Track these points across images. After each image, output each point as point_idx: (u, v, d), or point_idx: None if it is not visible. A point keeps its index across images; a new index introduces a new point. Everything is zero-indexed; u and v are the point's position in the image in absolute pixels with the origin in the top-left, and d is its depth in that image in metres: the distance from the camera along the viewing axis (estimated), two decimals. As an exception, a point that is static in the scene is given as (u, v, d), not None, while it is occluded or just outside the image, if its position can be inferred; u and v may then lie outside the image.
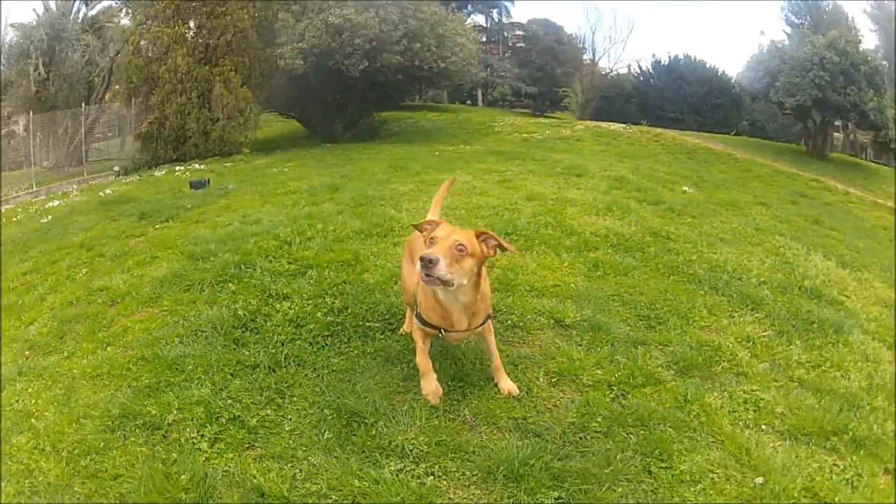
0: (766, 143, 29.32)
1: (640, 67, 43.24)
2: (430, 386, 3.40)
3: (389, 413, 3.31)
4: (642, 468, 2.96)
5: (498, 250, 3.11)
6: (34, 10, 26.98)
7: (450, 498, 2.81)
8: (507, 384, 3.49)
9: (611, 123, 26.98)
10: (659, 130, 24.88)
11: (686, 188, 10.31)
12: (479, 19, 45.91)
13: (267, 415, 3.47)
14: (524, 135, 22.39)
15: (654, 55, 54.02)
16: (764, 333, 4.41)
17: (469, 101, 44.79)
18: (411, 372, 3.70)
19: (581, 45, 44.32)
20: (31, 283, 6.86)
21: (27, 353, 4.93)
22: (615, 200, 8.05)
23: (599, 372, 3.68)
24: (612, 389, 3.53)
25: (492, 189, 8.89)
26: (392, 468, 2.93)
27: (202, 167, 17.04)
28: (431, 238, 2.98)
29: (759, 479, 3.00)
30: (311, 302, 4.74)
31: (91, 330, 5.03)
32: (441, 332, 3.28)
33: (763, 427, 3.47)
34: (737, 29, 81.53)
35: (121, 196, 12.97)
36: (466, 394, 3.54)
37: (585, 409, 3.36)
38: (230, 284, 5.30)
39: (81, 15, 29.46)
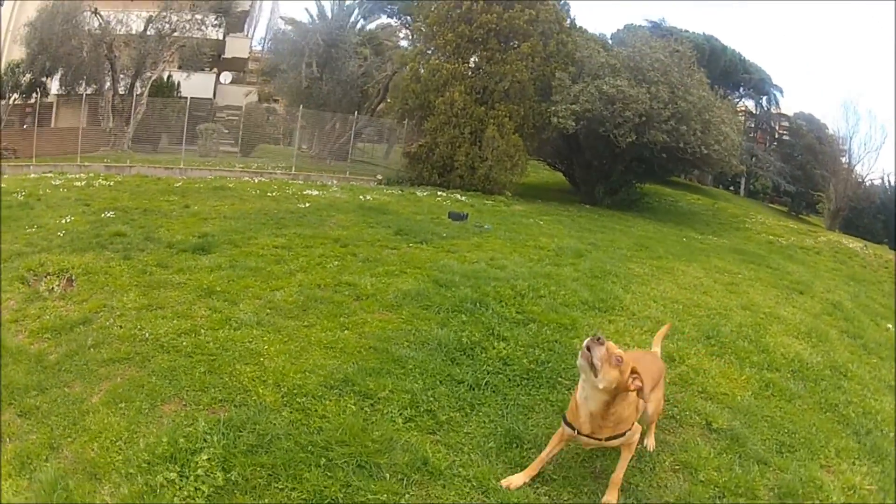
0: None
1: (890, 181, 41.32)
2: (520, 476, 4.13)
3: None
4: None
5: (636, 391, 3.82)
6: (307, 10, 32.22)
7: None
8: (610, 498, 4.07)
9: (851, 240, 26.34)
10: (891, 256, 23.38)
11: (890, 326, 10.07)
12: (749, 104, 48.20)
13: (454, 417, 4.77)
14: (770, 237, 22.96)
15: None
16: (869, 486, 4.73)
17: (731, 188, 46.62)
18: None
19: (841, 146, 43.21)
20: (282, 257, 8.89)
21: (269, 310, 6.71)
22: (818, 327, 8.60)
23: (715, 474, 4.42)
24: (715, 490, 4.28)
25: (715, 290, 9.86)
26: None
27: (463, 199, 19.35)
28: (607, 343, 3.76)
29: None
30: (522, 349, 6.02)
31: (333, 313, 6.69)
32: (574, 432, 4.00)
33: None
34: None
35: (381, 206, 15.32)
36: (605, 457, 4.47)
37: (685, 497, 4.18)
38: (462, 315, 6.74)
39: (359, 27, 35.14)
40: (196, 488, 3.75)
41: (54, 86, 32.05)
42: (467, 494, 3.91)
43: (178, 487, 3.76)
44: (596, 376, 3.67)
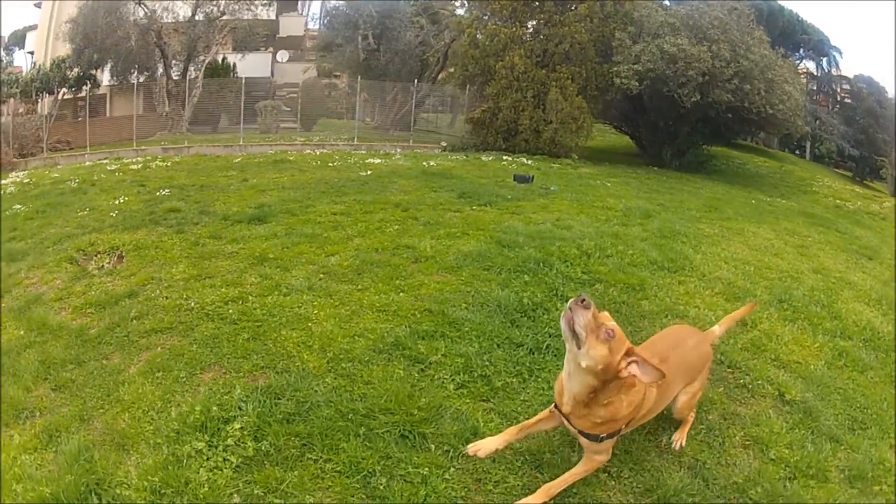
0: None
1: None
2: (490, 442, 3.53)
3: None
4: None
5: (635, 377, 3.17)
6: None
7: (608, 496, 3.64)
8: (533, 500, 3.46)
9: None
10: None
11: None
12: (810, 66, 46.77)
13: (511, 382, 4.53)
14: (838, 201, 22.18)
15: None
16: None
17: (797, 152, 45.49)
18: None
19: (899, 112, 41.61)
20: (340, 223, 8.85)
21: (321, 275, 6.61)
22: (888, 294, 8.28)
23: (786, 451, 4.11)
24: (786, 470, 3.96)
25: (787, 252, 9.68)
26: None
27: (529, 163, 19.28)
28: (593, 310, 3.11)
29: None
30: None
31: (389, 276, 6.56)
32: (558, 411, 3.46)
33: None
34: None
35: (444, 171, 15.32)
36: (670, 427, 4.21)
37: (755, 477, 3.85)
38: (525, 276, 6.54)
39: None
40: (224, 459, 3.65)
41: (105, 77, 33.07)
42: (518, 469, 3.68)
43: (205, 458, 3.67)
44: (578, 348, 3.10)
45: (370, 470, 3.55)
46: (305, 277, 6.48)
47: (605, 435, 3.40)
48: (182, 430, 3.89)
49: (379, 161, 17.55)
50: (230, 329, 5.31)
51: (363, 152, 22.03)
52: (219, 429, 3.86)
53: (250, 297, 5.97)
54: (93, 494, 3.46)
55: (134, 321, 5.72)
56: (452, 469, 3.61)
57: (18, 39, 55.59)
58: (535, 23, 23.61)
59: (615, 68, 21.68)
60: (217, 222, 9.00)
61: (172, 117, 30.48)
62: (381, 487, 3.44)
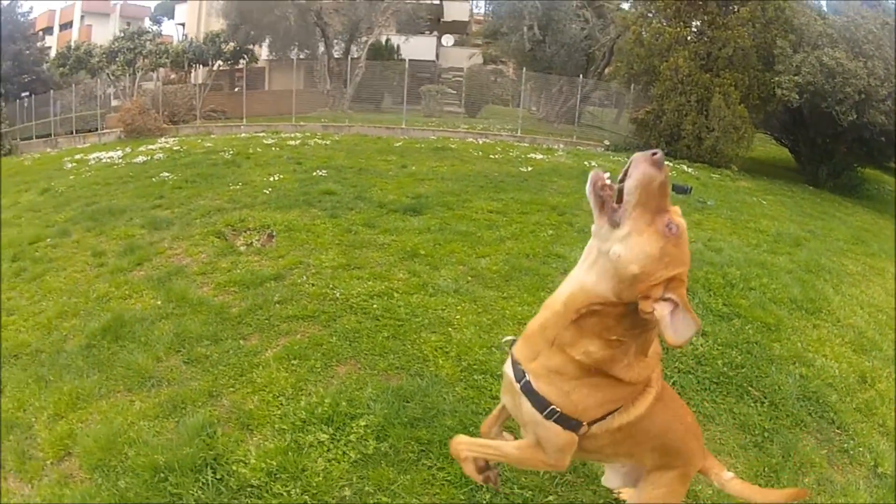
0: None
1: None
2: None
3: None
4: None
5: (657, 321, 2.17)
6: None
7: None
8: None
9: None
10: None
11: None
12: None
13: None
14: None
15: None
16: None
17: None
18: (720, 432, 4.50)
19: None
20: (495, 222, 9.02)
21: (469, 278, 6.76)
22: None
23: None
24: None
25: None
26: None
27: (690, 171, 19.17)
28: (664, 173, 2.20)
29: None
30: (720, 347, 5.70)
31: (536, 286, 6.63)
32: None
33: None
34: None
35: None
36: None
37: None
38: None
39: None
40: (343, 452, 3.85)
41: (263, 52, 35.50)
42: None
43: (325, 449, 3.88)
44: (614, 226, 2.18)
45: (478, 486, 3.61)
46: (453, 279, 6.64)
47: (560, 411, 2.40)
48: (309, 420, 4.11)
49: (541, 157, 17.86)
50: (372, 325, 5.51)
51: (526, 145, 22.48)
52: (344, 423, 4.05)
53: (396, 294, 6.18)
54: (209, 468, 3.70)
55: (277, 305, 6.00)
56: (553, 495, 3.67)
57: (167, 10, 59.01)
58: (698, 23, 23.41)
59: (777, 78, 21.31)
60: (372, 209, 9.37)
61: (334, 95, 32.04)
62: (483, 503, 3.54)
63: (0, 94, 35.43)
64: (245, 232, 8.41)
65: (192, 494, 3.54)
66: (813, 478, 4.19)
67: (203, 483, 3.61)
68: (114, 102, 36.12)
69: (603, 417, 2.45)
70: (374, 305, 5.88)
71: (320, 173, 12.39)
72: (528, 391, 2.41)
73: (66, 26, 55.75)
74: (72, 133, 32.82)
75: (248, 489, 3.59)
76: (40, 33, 48.09)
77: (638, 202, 2.11)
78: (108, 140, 28.75)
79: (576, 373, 2.34)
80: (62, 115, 34.43)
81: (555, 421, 2.38)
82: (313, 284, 6.48)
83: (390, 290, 6.24)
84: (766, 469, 4.03)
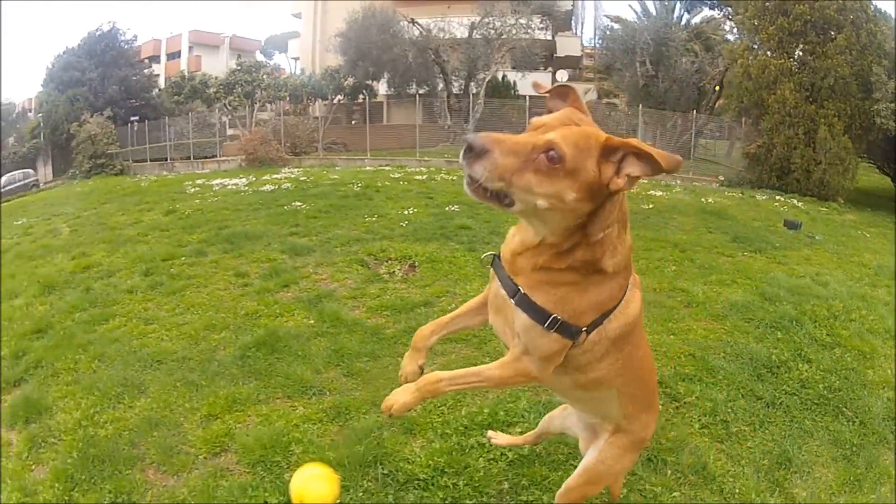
0: None
1: None
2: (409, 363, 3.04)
3: (807, 474, 4.49)
4: None
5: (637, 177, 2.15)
6: (631, 7, 33.59)
7: None
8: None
9: None
10: None
11: None
12: None
13: (743, 430, 4.99)
14: None
15: None
16: None
17: None
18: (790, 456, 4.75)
19: None
20: None
21: None
22: None
23: None
24: None
25: None
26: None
27: (800, 205, 19.60)
28: (536, 124, 2.28)
29: None
30: (821, 373, 6.07)
31: (664, 318, 7.13)
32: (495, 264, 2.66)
33: None
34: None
35: (720, 210, 15.95)
36: None
37: None
38: (778, 332, 6.92)
39: (684, 22, 35.93)
40: (502, 454, 4.35)
41: (382, 87, 36.97)
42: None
43: (485, 450, 4.40)
44: (511, 205, 2.12)
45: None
46: None
47: (561, 318, 2.37)
48: (469, 426, 4.66)
49: (660, 193, 18.51)
50: None
51: (644, 182, 22.36)
52: (502, 430, 4.55)
53: None
54: (378, 464, 4.23)
55: None
56: (677, 493, 4.10)
57: (278, 44, 61.05)
58: (800, 53, 23.71)
59: (875, 106, 21.48)
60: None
61: (454, 130, 32.99)
62: (620, 497, 3.95)
63: (110, 117, 37.82)
64: (387, 262, 9.10)
65: (361, 486, 4.05)
66: (889, 487, 4.51)
67: (372, 477, 4.12)
68: (229, 131, 38.15)
69: (600, 321, 2.44)
70: None
71: (453, 208, 13.10)
72: (525, 304, 2.38)
73: (173, 56, 58.63)
74: (189, 158, 35.23)
75: (416, 482, 4.09)
76: (146, 61, 50.48)
77: (513, 175, 2.02)
78: (228, 167, 30.55)
79: (568, 278, 2.33)
80: (176, 140, 36.75)
81: (556, 330, 2.36)
82: None
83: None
84: (850, 478, 4.44)
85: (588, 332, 2.42)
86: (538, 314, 2.34)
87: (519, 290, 2.39)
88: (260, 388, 5.57)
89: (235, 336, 6.79)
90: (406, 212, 12.74)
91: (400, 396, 2.67)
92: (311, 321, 7.06)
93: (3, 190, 38.04)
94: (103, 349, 6.72)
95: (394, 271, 8.75)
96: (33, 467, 4.86)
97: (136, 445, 4.91)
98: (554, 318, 2.32)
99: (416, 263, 8.97)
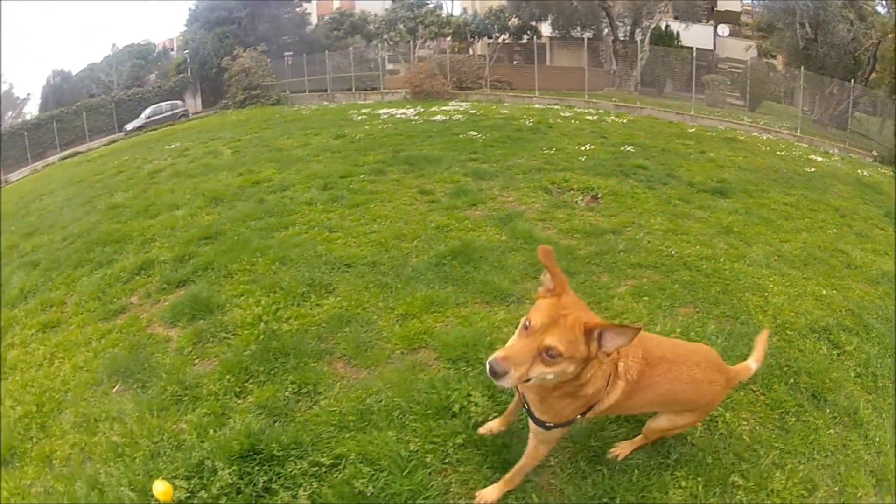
0: None
1: None
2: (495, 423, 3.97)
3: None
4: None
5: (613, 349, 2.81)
6: None
7: None
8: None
9: None
10: None
11: None
12: None
13: (889, 386, 5.12)
14: None
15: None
16: None
17: None
18: None
19: None
20: (790, 214, 9.84)
21: (776, 258, 7.57)
22: None
23: None
24: None
25: None
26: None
27: None
28: (527, 322, 2.83)
29: None
30: None
31: (827, 273, 7.41)
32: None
33: None
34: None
35: (874, 184, 15.62)
36: None
37: None
38: None
39: None
40: None
41: (545, 29, 36.81)
42: (859, 451, 4.25)
43: None
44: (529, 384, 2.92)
45: (786, 409, 4.48)
46: (763, 256, 7.46)
47: (553, 424, 3.21)
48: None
49: (820, 159, 18.25)
50: (704, 280, 6.44)
51: (805, 146, 22.66)
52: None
53: (721, 259, 7.07)
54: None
55: (621, 253, 7.05)
56: (831, 431, 4.35)
57: None
58: None
59: None
60: (683, 187, 10.35)
61: (620, 76, 33.11)
62: (790, 423, 4.35)
63: (264, 52, 38.96)
64: (569, 191, 9.52)
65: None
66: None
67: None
68: (388, 66, 38.83)
69: (584, 413, 3.19)
70: (704, 265, 6.79)
71: (628, 149, 13.43)
72: (530, 415, 3.22)
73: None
74: (349, 90, 36.06)
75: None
76: (297, -1, 51.44)
77: (525, 372, 2.72)
78: (391, 99, 31.15)
79: (555, 399, 3.05)
80: (334, 73, 37.57)
81: (551, 428, 3.20)
82: (649, 242, 7.47)
83: (715, 255, 7.14)
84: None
85: (583, 417, 3.24)
86: (539, 422, 3.20)
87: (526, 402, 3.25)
88: (458, 293, 5.98)
89: (428, 245, 7.27)
90: (582, 148, 13.13)
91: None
92: (504, 237, 7.51)
93: (148, 120, 40.00)
94: (284, 253, 7.23)
95: (577, 201, 9.15)
96: (196, 361, 5.26)
97: (324, 340, 5.30)
98: (547, 425, 3.19)
99: (599, 195, 9.35)
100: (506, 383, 2.69)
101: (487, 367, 2.67)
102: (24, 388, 5.55)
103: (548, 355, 2.68)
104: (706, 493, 3.67)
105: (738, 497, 3.67)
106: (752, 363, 3.79)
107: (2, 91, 48.68)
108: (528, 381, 2.76)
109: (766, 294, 6.28)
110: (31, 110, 49.73)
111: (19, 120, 47.08)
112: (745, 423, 4.29)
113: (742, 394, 4.53)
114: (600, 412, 3.26)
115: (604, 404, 3.17)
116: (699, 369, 3.39)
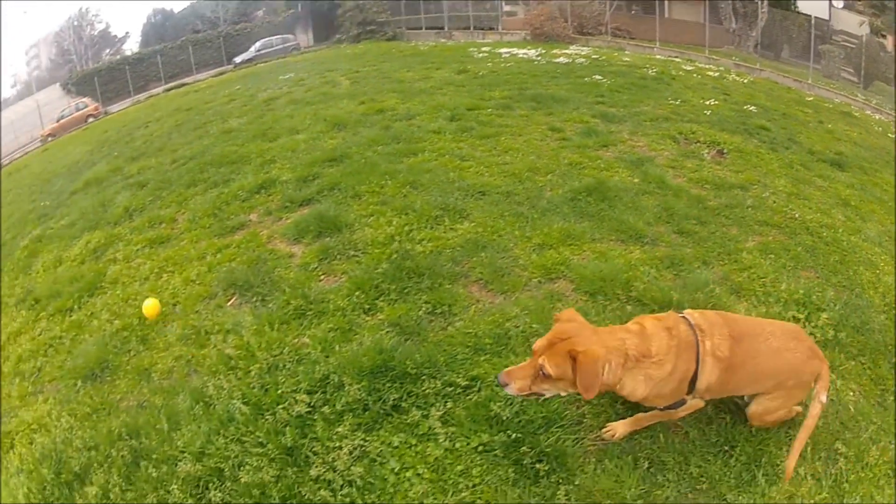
0: None
1: None
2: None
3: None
4: None
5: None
6: None
7: None
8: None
9: None
10: None
11: None
12: None
13: None
14: None
15: None
16: None
17: None
18: None
19: None
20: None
21: (887, 238, 7.47)
22: None
23: None
24: None
25: None
26: None
27: None
28: (535, 349, 3.38)
29: None
30: None
31: None
32: None
33: None
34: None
35: None
36: None
37: None
38: None
39: None
40: (811, 333, 4.78)
41: None
42: None
43: (800, 325, 4.87)
44: (541, 396, 3.51)
45: (887, 388, 4.53)
46: (877, 234, 7.40)
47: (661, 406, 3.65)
48: (787, 301, 5.27)
49: None
50: (825, 248, 6.55)
51: None
52: (811, 314, 5.10)
53: (839, 230, 7.11)
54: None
55: (749, 209, 7.22)
56: None
57: None
58: None
59: None
60: (804, 153, 10.35)
61: (739, 34, 32.14)
62: (889, 402, 4.40)
63: None
64: (696, 143, 9.69)
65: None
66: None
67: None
68: (506, 7, 38.64)
69: (690, 390, 3.56)
70: (824, 233, 6.88)
71: (750, 108, 13.40)
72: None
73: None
74: (467, 28, 36.33)
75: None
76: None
77: (531, 384, 3.34)
78: (510, 39, 31.34)
79: (654, 387, 3.43)
80: (451, 12, 37.71)
81: (670, 409, 3.66)
82: (774, 202, 7.62)
83: (834, 225, 7.19)
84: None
85: (691, 394, 3.63)
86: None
87: None
88: (593, 228, 6.32)
89: (562, 181, 7.61)
90: (707, 102, 13.18)
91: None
92: (636, 180, 7.82)
93: (258, 53, 41.06)
94: (414, 178, 7.60)
95: (703, 153, 9.33)
96: (322, 277, 5.58)
97: (459, 263, 5.63)
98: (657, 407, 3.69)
99: (725, 150, 9.50)
100: (511, 392, 3.36)
101: (497, 377, 3.51)
102: (126, 302, 5.97)
103: (542, 374, 3.26)
104: (813, 456, 3.80)
105: (840, 465, 3.77)
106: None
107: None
108: (531, 394, 3.39)
109: (878, 272, 6.33)
110: (132, 47, 51.51)
111: (118, 57, 48.46)
112: (852, 392, 4.37)
113: (853, 364, 4.64)
114: (708, 394, 3.63)
115: (702, 383, 3.49)
116: (774, 339, 3.65)
